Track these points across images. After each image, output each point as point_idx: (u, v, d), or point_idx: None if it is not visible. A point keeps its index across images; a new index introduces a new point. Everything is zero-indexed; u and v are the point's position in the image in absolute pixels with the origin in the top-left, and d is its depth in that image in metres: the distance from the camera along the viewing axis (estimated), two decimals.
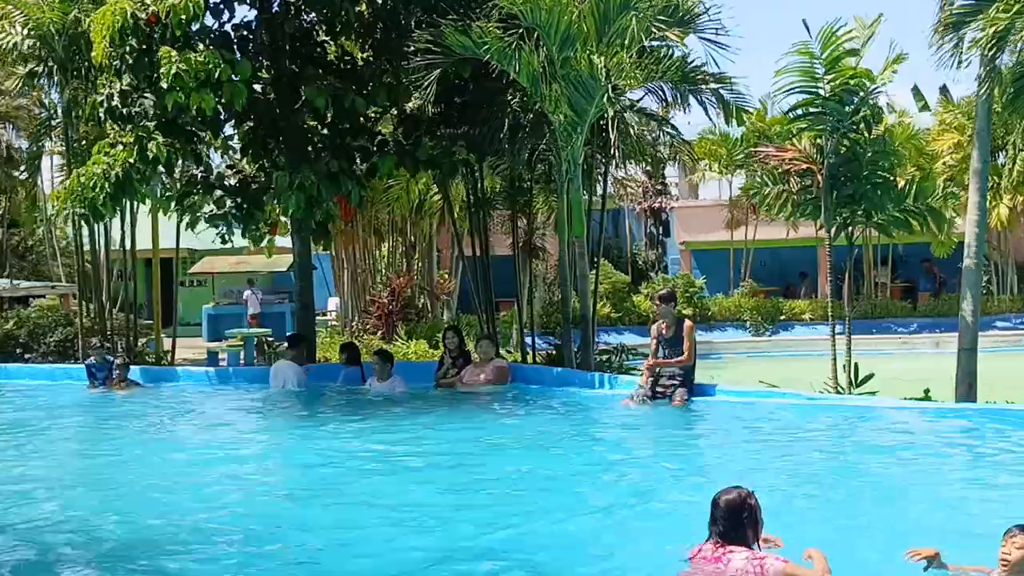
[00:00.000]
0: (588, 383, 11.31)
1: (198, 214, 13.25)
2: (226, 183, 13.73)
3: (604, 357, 15.75)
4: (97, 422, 10.88)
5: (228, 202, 13.42)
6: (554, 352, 15.61)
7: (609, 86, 11.78)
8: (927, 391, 11.34)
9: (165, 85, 11.29)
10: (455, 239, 20.33)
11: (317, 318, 18.72)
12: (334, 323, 25.46)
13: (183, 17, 11.26)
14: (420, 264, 26.03)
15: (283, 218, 14.66)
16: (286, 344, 14.15)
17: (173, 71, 11.11)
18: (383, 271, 25.92)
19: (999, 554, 4.55)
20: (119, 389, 12.48)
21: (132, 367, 13.20)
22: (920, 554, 4.60)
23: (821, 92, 11.54)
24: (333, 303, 28.34)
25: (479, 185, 15.47)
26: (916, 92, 23.09)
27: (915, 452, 8.03)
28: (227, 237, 13.58)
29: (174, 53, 11.28)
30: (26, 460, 8.55)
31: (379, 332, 21.39)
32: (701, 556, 4.70)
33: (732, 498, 4.70)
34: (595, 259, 16.34)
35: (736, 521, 4.65)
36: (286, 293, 25.26)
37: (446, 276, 26.65)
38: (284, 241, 16.79)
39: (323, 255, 26.63)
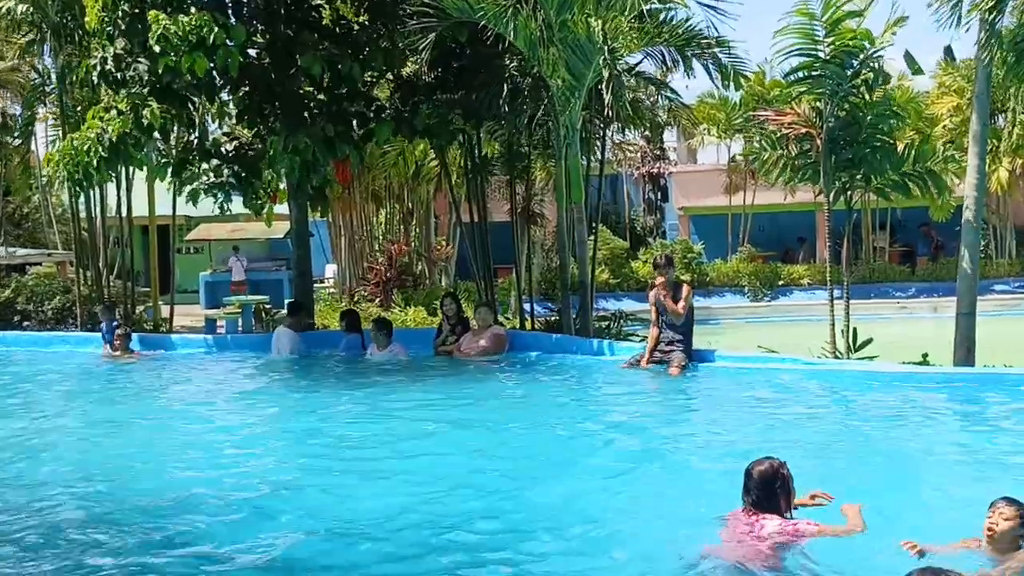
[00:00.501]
0: (587, 349, 11.33)
1: (196, 185, 13.22)
2: (222, 150, 13.66)
3: (603, 323, 15.75)
4: (102, 390, 10.86)
5: (226, 171, 13.35)
6: (553, 319, 15.70)
7: (607, 49, 11.70)
8: (925, 355, 11.36)
9: (157, 49, 11.23)
10: (453, 205, 20.30)
11: (315, 285, 18.73)
12: (332, 290, 25.48)
13: None
14: (417, 230, 26.01)
15: (282, 185, 14.64)
16: (286, 311, 14.20)
17: (159, 32, 11.00)
18: (380, 238, 25.95)
19: (985, 524, 4.57)
20: (121, 357, 12.50)
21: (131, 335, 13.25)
22: (915, 548, 4.53)
23: (821, 55, 11.43)
24: (331, 270, 28.33)
25: (477, 151, 15.42)
26: (908, 57, 22.90)
27: (914, 417, 8.01)
28: (225, 206, 13.52)
29: (163, 16, 11.17)
30: (21, 427, 8.51)
31: (376, 299, 21.42)
32: (734, 518, 4.82)
33: (764, 468, 4.81)
34: (593, 225, 16.33)
35: (769, 491, 4.76)
36: (283, 260, 25.27)
37: (443, 243, 26.64)
38: (282, 208, 16.71)
39: (320, 222, 26.60)
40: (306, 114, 13.05)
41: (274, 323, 17.06)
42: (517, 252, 16.85)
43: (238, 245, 26.54)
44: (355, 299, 22.08)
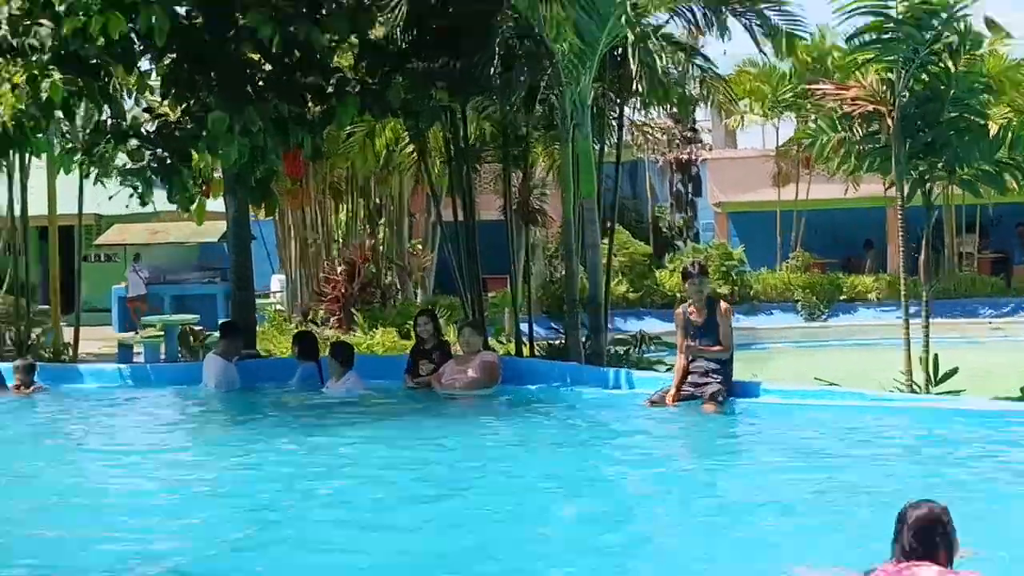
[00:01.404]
0: (601, 381, 11.38)
1: (110, 167, 13.22)
2: (143, 130, 13.63)
3: (620, 348, 15.85)
4: None
5: (147, 154, 13.35)
6: (558, 342, 15.73)
7: (627, 5, 11.79)
8: None
9: (62, 8, 11.23)
10: (432, 200, 20.34)
11: (258, 301, 18.74)
12: (279, 307, 25.49)
13: None
14: (387, 232, 26.06)
15: (217, 173, 14.65)
16: (219, 334, 14.28)
17: None
18: (340, 242, 25.99)
19: None
20: (23, 393, 12.43)
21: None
22: None
23: (893, 13, 11.56)
24: (277, 282, 28.36)
25: (462, 132, 15.42)
26: (991, 23, 23.01)
27: (1017, 463, 8.06)
28: (146, 198, 13.53)
29: None
30: None
31: (335, 319, 21.45)
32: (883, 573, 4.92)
33: (924, 513, 4.90)
34: (608, 225, 16.40)
35: (928, 540, 4.84)
36: (217, 270, 25.26)
37: (420, 247, 26.69)
38: (217, 205, 16.75)
39: (265, 221, 26.63)
40: (249, 88, 13.04)
41: (205, 349, 17.09)
42: (513, 259, 16.94)
43: (139, 253, 26.70)
44: (309, 318, 22.12)
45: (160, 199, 14.28)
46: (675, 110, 29.69)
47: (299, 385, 12.34)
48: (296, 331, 17.13)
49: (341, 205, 26.42)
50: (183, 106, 13.70)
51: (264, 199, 14.42)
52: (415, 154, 18.32)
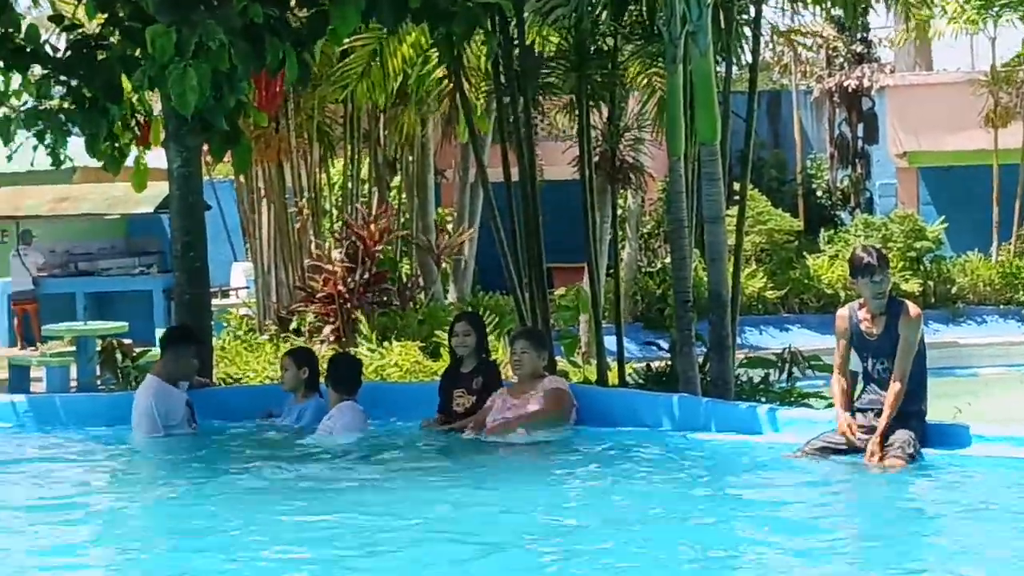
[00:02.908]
0: (728, 422, 11.27)
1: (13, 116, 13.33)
2: (48, 50, 13.66)
3: (754, 370, 15.81)
4: None
5: (56, 88, 13.39)
6: (660, 364, 15.73)
7: None
8: None
9: None
10: (471, 150, 20.32)
11: (215, 302, 18.80)
12: (246, 310, 25.59)
13: None
14: (404, 199, 26.12)
15: (157, 111, 14.67)
16: (159, 347, 14.29)
17: None
18: (334, 212, 26.09)
19: None
20: None
21: None
22: None
23: None
24: (241, 273, 28.46)
25: (517, 47, 15.45)
26: None
27: None
28: (58, 151, 13.58)
29: None
30: None
31: (328, 329, 21.47)
32: None
33: None
34: (738, 188, 16.26)
35: None
36: (154, 255, 25.39)
37: (452, 221, 26.65)
38: (158, 159, 16.84)
39: (222, 182, 26.74)
40: None
41: (138, 372, 17.21)
42: (593, 239, 16.84)
43: (29, 230, 27.00)
44: (291, 328, 22.15)
45: (73, 149, 14.39)
46: (839, 13, 29.52)
47: (293, 425, 12.45)
48: (294, 347, 17.03)
49: (335, 158, 26.61)
50: (107, 14, 13.78)
51: (229, 147, 14.46)
52: (446, 81, 18.31)
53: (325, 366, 12.81)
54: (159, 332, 18.74)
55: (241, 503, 10.09)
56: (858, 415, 10.19)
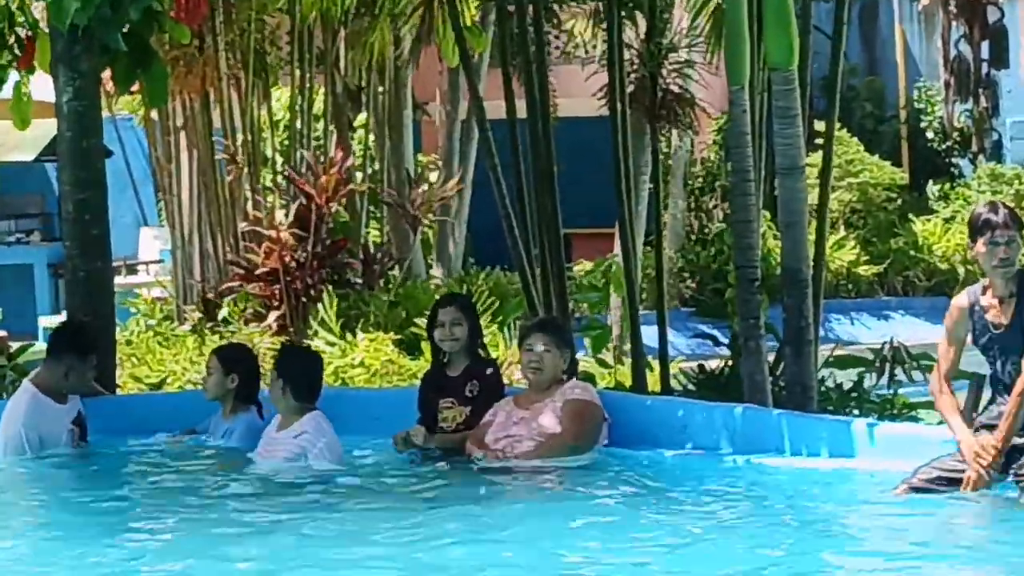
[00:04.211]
0: (808, 442, 11.59)
1: None
2: None
3: (847, 376, 15.85)
4: None
5: None
6: (718, 363, 16.14)
7: None
8: None
9: None
10: (463, 76, 20.89)
11: (118, 280, 19.38)
12: (160, 292, 26.09)
13: None
14: (372, 141, 26.55)
15: (43, 25, 15.11)
16: (45, 346, 14.68)
17: None
18: (277, 157, 26.46)
19: None
20: None
21: None
22: None
23: None
24: (153, 241, 29.11)
25: None
26: None
27: None
28: None
29: None
30: None
31: (273, 316, 22.01)
32: None
33: None
34: (828, 126, 16.52)
35: None
36: (36, 217, 26.02)
37: (435, 172, 27.20)
38: (45, 89, 17.39)
39: (125, 119, 27.32)
40: None
41: (17, 376, 17.82)
42: (625, 196, 17.33)
43: None
44: (220, 316, 22.68)
45: None
46: None
47: (243, 442, 12.78)
48: (224, 344, 17.44)
49: (276, 87, 26.95)
50: None
51: (138, 73, 14.99)
52: None
53: (270, 365, 12.95)
54: (44, 321, 19.35)
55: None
56: (983, 432, 10.15)
